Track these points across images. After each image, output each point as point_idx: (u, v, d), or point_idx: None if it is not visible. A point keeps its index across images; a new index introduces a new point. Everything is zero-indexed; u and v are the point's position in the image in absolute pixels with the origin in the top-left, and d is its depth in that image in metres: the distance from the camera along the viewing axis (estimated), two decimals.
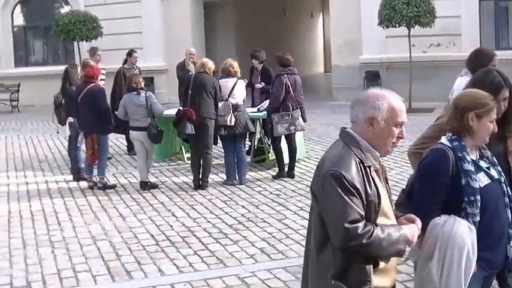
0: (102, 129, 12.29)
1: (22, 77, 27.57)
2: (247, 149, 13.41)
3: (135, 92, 11.95)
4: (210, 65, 11.97)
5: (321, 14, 41.34)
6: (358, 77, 23.20)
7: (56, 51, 30.28)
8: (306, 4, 37.58)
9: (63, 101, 13.05)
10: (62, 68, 26.79)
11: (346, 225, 3.61)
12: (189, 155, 14.26)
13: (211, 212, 10.51)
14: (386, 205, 3.91)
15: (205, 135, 11.80)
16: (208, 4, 27.22)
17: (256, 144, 13.79)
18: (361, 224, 3.64)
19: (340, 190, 3.67)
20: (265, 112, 12.85)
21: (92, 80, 12.29)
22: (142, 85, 12.10)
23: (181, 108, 12.28)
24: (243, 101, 12.47)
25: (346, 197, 3.66)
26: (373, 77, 23.04)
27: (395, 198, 4.33)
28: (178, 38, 24.90)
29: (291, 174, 12.50)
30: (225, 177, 12.36)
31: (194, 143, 12.05)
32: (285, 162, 12.63)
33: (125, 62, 15.35)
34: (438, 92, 17.22)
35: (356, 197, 3.68)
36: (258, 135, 13.68)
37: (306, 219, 6.50)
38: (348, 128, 3.94)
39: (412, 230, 3.87)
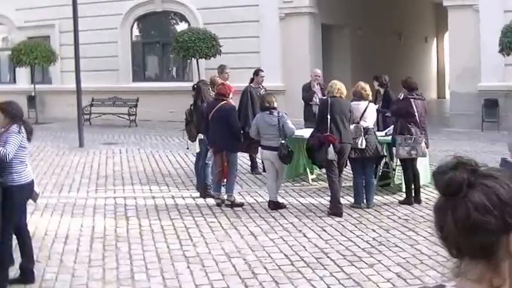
0: (233, 147, 12.39)
1: (139, 92, 28.17)
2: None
3: (268, 112, 12.00)
4: (344, 90, 11.92)
5: (435, 39, 40.87)
6: (476, 104, 22.74)
7: (173, 68, 30.79)
8: (420, 28, 37.20)
9: (194, 118, 13.13)
10: (178, 84, 27.64)
11: None
12: (313, 176, 14.30)
13: (342, 234, 10.45)
14: None
15: (342, 159, 11.77)
16: (326, 26, 27.20)
17: (381, 168, 13.66)
18: None
19: None
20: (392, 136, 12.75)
21: (224, 97, 12.40)
22: (275, 105, 12.11)
23: (313, 130, 12.22)
24: (374, 124, 12.39)
25: None
26: (491, 105, 22.60)
27: None
28: (296, 59, 25.01)
29: (417, 200, 12.34)
30: (352, 200, 12.28)
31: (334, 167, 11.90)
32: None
33: (251, 81, 15.44)
34: None
35: None
36: (383, 160, 13.55)
37: (438, 245, 6.35)
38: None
39: None
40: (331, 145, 11.41)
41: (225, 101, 12.39)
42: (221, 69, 15.14)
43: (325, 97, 14.78)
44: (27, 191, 8.37)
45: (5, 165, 8.00)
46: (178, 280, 8.49)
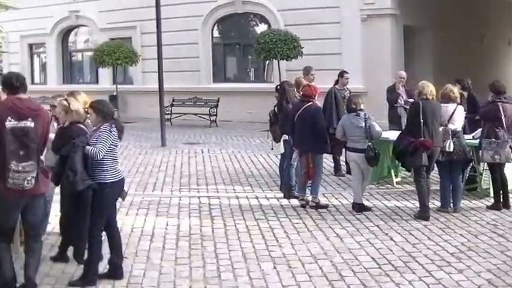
0: (319, 148, 12.33)
1: (219, 93, 28.31)
2: None
3: (355, 113, 11.91)
4: (434, 91, 11.74)
5: None
6: None
7: (252, 69, 30.86)
8: (503, 31, 36.51)
9: (279, 118, 13.08)
10: (258, 85, 27.68)
11: None
12: (398, 179, 14.14)
13: (429, 238, 10.27)
14: None
15: (432, 163, 11.64)
16: (408, 27, 26.92)
17: (468, 172, 13.41)
18: None
19: None
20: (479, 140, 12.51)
21: (310, 98, 12.35)
22: (362, 106, 12.01)
23: (400, 133, 12.08)
24: (461, 127, 12.19)
25: None
26: None
27: None
28: (377, 61, 24.81)
29: (506, 205, 12.09)
30: (438, 204, 12.09)
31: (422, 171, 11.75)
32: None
33: (336, 82, 15.36)
34: None
35: None
36: (470, 163, 13.30)
37: None
38: None
39: None
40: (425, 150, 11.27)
41: (311, 102, 12.34)
42: (307, 70, 15.06)
43: (411, 99, 14.69)
44: (118, 188, 8.44)
45: (98, 163, 8.08)
46: (265, 280, 8.45)
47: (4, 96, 7.95)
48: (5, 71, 29.06)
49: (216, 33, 30.65)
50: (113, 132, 8.19)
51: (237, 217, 11.70)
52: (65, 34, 35.46)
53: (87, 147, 8.01)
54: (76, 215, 8.16)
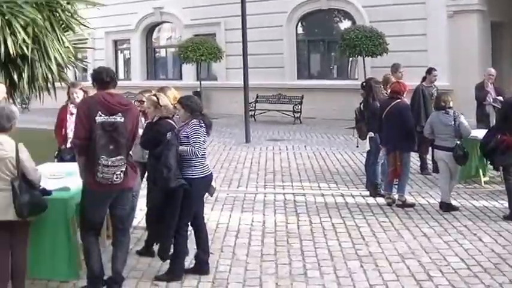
0: (407, 146, 12.17)
1: (303, 89, 28.24)
2: None
3: (444, 111, 11.72)
4: None
5: None
6: None
7: (335, 66, 30.69)
8: None
9: (365, 116, 12.95)
10: (343, 82, 27.53)
11: None
12: (486, 178, 13.87)
13: None
14: None
15: None
16: (495, 23, 26.36)
17: None
18: None
19: None
20: None
21: (398, 96, 12.19)
22: (451, 104, 11.80)
23: (488, 131, 11.83)
24: None
25: None
26: None
27: None
28: (464, 58, 24.32)
29: None
30: None
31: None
32: None
33: (424, 79, 15.15)
34: None
35: None
36: None
37: None
38: None
39: None
40: None
41: (400, 100, 12.18)
42: (395, 68, 14.89)
43: (499, 97, 14.39)
44: (206, 184, 8.46)
45: (186, 159, 8.12)
46: (352, 279, 8.37)
47: (93, 92, 8.04)
48: (89, 67, 29.49)
49: (300, 30, 30.55)
50: (202, 128, 8.21)
51: (322, 215, 11.64)
52: (149, 30, 35.89)
53: (184, 147, 8.05)
54: (165, 212, 8.18)
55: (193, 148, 8.03)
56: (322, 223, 11.08)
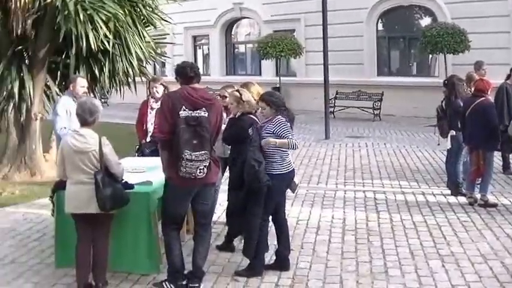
0: (490, 145, 11.96)
1: (383, 86, 28.05)
2: None
3: None
4: None
5: None
6: None
7: (415, 63, 30.39)
8: None
9: (447, 114, 12.76)
10: (423, 79, 27.24)
11: None
12: None
13: None
14: None
15: None
16: None
17: None
18: None
19: None
20: None
21: (483, 93, 11.99)
22: None
23: None
24: None
25: None
26: None
27: None
28: None
29: None
30: None
31: None
32: None
33: (508, 77, 14.84)
34: None
35: None
36: None
37: None
38: None
39: None
40: None
41: (484, 98, 11.96)
42: (478, 65, 14.63)
43: None
44: (287, 180, 8.45)
45: (268, 154, 8.12)
46: (434, 278, 8.25)
47: (174, 87, 8.07)
48: (168, 62, 29.81)
49: (380, 26, 30.34)
50: (288, 123, 8.20)
51: (403, 213, 11.53)
52: (228, 26, 36.09)
53: (283, 140, 8.05)
54: (247, 208, 8.20)
55: (292, 140, 8.03)
56: (402, 221, 10.98)
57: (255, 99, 8.84)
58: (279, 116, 8.19)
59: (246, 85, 9.53)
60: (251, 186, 8.01)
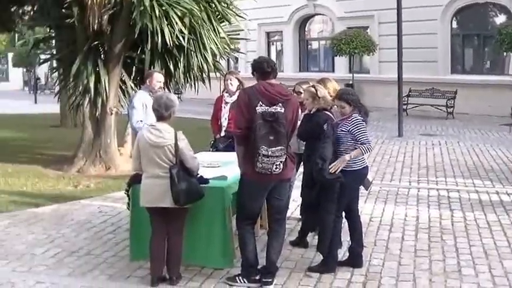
0: None
1: (456, 84, 27.75)
2: None
3: None
4: None
5: None
6: None
7: (488, 61, 29.98)
8: None
9: None
10: (498, 78, 26.83)
11: None
12: None
13: None
14: None
15: None
16: None
17: None
18: None
19: None
20: None
21: None
22: None
23: None
24: None
25: None
26: None
27: None
28: None
29: None
30: None
31: None
32: None
33: None
34: None
35: None
36: None
37: None
38: None
39: None
40: None
41: None
42: None
43: None
44: (360, 177, 8.44)
45: (342, 151, 8.10)
46: (508, 279, 8.15)
47: (248, 83, 8.11)
48: (242, 57, 30.09)
49: (454, 24, 30.02)
50: (364, 122, 8.19)
51: (477, 212, 11.42)
52: (302, 22, 36.10)
53: (357, 152, 8.07)
54: (321, 205, 8.23)
55: (364, 146, 8.02)
56: (476, 220, 10.87)
57: (330, 96, 8.85)
58: (356, 114, 8.18)
59: (322, 81, 9.54)
60: (319, 181, 8.04)
